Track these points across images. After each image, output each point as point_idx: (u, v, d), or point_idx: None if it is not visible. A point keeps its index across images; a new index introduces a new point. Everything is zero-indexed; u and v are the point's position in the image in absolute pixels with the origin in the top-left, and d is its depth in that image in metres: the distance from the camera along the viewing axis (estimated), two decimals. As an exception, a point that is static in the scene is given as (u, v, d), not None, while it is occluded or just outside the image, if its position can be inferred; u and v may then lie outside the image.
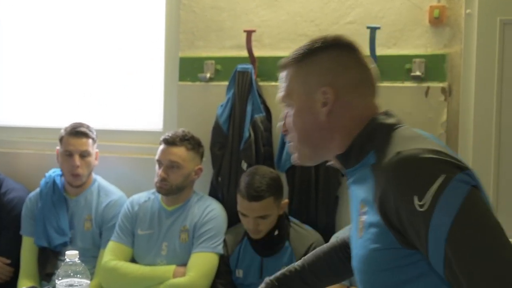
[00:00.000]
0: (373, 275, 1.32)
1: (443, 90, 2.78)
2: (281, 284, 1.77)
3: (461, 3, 2.77)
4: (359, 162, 1.38)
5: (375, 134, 1.37)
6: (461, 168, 1.19)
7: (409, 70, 2.82)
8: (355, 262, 1.40)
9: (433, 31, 2.83)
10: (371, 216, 1.30)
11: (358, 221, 1.36)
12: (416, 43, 2.84)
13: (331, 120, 1.40)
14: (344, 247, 1.77)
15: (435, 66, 2.80)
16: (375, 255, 1.29)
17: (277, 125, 1.56)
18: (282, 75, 1.49)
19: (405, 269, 1.25)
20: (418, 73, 2.79)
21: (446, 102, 2.78)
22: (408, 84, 2.83)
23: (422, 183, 1.17)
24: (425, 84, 2.81)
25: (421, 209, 1.16)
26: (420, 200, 1.16)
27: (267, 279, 1.80)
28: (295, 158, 1.50)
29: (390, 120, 1.39)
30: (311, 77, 1.42)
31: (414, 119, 2.81)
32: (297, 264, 1.82)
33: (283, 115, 1.50)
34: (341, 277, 1.85)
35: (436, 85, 2.80)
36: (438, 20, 2.79)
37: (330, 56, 1.42)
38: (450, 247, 1.13)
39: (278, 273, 1.81)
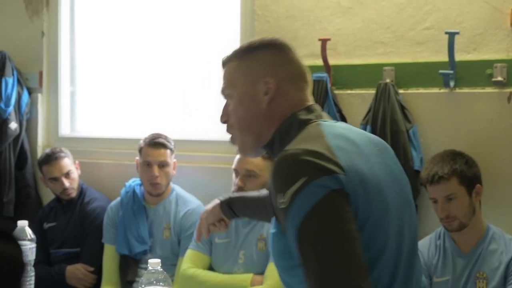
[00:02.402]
0: (273, 255, 1.46)
1: (526, 95, 2.69)
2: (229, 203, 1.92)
3: (545, 4, 2.68)
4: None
5: (291, 128, 1.48)
6: (328, 172, 1.29)
7: (490, 76, 2.75)
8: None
9: (515, 34, 2.74)
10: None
11: None
12: (497, 48, 2.76)
13: (271, 108, 1.51)
14: None
15: (517, 71, 2.72)
16: (273, 239, 1.43)
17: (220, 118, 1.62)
18: (224, 71, 1.61)
19: (289, 256, 1.36)
20: (499, 78, 2.71)
21: (529, 107, 2.69)
22: (489, 89, 2.75)
23: (286, 183, 1.30)
24: (507, 90, 2.72)
25: (282, 206, 1.30)
26: (281, 198, 1.30)
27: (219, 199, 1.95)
28: (237, 150, 1.62)
29: (307, 116, 1.49)
30: (254, 68, 1.54)
31: (496, 125, 2.73)
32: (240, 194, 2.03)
33: (223, 106, 1.61)
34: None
35: (519, 90, 2.71)
36: (520, 23, 2.70)
37: (270, 52, 1.54)
38: (297, 243, 1.28)
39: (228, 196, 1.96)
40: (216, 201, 1.96)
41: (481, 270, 2.46)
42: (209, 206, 1.97)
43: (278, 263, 1.44)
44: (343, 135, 1.42)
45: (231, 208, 1.92)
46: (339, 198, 1.28)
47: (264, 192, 1.90)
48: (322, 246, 1.25)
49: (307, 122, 1.47)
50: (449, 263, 2.52)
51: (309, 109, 1.52)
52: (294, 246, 1.30)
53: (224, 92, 1.60)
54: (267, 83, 1.51)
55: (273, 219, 1.42)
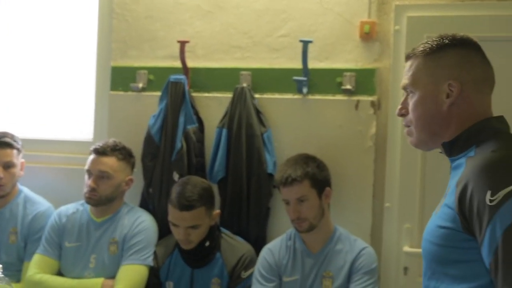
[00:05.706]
0: (433, 247, 1.50)
1: (372, 103, 2.85)
2: None
3: (390, 19, 2.85)
4: (461, 153, 1.54)
5: (483, 131, 1.53)
6: None
7: (340, 84, 2.88)
8: (424, 232, 1.57)
9: (363, 46, 2.89)
10: (449, 198, 1.46)
11: (441, 200, 1.54)
12: (347, 58, 2.90)
13: (451, 110, 1.55)
14: None
15: (365, 80, 2.87)
16: (440, 231, 1.47)
17: (396, 111, 1.67)
18: (407, 64, 1.63)
19: (458, 251, 1.44)
20: (348, 86, 2.85)
21: (375, 115, 2.85)
22: (339, 97, 2.88)
23: (500, 182, 1.34)
24: (355, 98, 2.87)
25: (490, 203, 1.33)
26: (492, 195, 1.33)
27: None
28: (410, 141, 1.65)
29: (501, 125, 1.56)
30: (439, 69, 1.56)
31: (344, 131, 2.86)
32: None
33: (402, 100, 1.65)
34: None
35: (365, 98, 2.86)
36: (368, 36, 2.86)
37: (459, 53, 1.56)
38: (502, 242, 1.31)
39: None
40: None
41: (327, 269, 2.56)
42: None
43: (437, 253, 1.49)
44: None
45: None
46: None
47: None
48: None
49: (503, 132, 1.54)
50: (299, 263, 2.60)
51: (501, 120, 1.57)
52: (489, 244, 1.33)
53: (407, 88, 1.62)
54: (451, 86, 1.54)
55: (443, 213, 1.46)
